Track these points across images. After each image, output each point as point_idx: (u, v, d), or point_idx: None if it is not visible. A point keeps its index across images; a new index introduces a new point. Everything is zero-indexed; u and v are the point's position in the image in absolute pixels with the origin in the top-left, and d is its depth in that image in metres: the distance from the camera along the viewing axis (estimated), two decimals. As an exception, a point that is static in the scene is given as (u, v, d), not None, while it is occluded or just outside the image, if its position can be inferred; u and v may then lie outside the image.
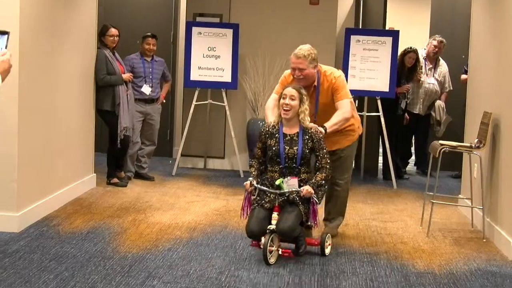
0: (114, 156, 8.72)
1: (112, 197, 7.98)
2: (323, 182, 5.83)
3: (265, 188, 5.78)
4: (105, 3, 10.23)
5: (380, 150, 10.62)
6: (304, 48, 6.11)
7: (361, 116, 9.87)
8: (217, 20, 10.03)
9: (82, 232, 6.40)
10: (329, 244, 6.05)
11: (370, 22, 10.93)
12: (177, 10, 11.18)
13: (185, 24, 9.93)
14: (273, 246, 5.62)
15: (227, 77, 9.71)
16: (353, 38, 9.58)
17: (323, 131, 5.93)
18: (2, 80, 3.58)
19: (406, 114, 10.22)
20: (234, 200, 8.02)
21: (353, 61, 9.57)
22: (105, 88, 8.37)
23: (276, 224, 5.60)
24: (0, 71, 3.57)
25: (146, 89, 8.90)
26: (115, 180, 8.69)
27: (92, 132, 8.48)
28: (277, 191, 5.73)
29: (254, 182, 5.80)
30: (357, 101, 9.87)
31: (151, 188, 8.67)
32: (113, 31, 8.46)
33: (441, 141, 7.19)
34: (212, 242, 6.27)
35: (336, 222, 6.64)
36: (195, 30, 9.70)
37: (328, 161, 5.86)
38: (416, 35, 12.52)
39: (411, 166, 11.22)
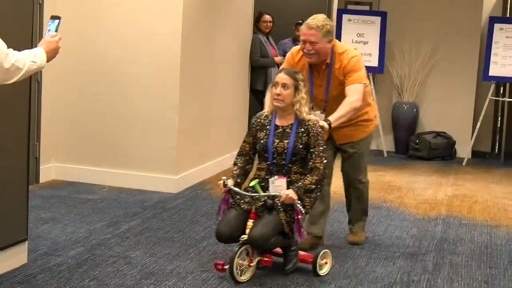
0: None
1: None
2: (312, 187, 4.79)
3: (239, 190, 4.83)
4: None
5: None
6: (319, 18, 5.25)
7: (502, 102, 10.22)
8: (366, 8, 10.62)
9: (231, 196, 7.23)
10: (326, 263, 5.06)
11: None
12: (330, -2, 11.84)
13: (336, 11, 10.59)
14: (244, 260, 4.71)
15: (374, 62, 10.28)
16: (497, 26, 9.92)
17: (325, 125, 4.98)
18: (48, 60, 3.97)
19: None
20: (374, 176, 8.53)
21: (496, 49, 9.89)
22: (258, 69, 9.19)
23: (248, 232, 4.67)
24: (46, 50, 3.94)
25: (295, 72, 9.62)
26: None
27: (246, 108, 9.32)
28: (253, 195, 4.80)
29: (229, 183, 4.83)
30: (492, 87, 10.13)
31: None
32: (267, 17, 9.26)
33: None
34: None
35: (360, 224, 5.89)
36: (345, 17, 10.34)
37: (324, 161, 4.84)
38: None
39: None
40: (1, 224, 4.55)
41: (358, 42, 10.32)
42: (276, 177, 4.80)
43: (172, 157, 7.21)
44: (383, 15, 10.27)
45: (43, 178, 7.21)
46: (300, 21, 9.73)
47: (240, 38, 8.90)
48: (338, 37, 10.33)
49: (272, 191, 4.76)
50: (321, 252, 5.00)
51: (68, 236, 5.52)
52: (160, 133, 7.19)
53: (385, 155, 10.30)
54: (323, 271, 4.98)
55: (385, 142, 10.46)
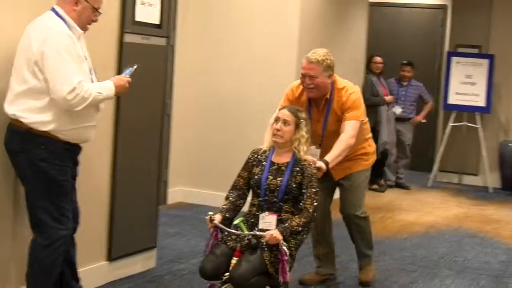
0: (375, 166, 10.17)
1: (369, 199, 9.32)
2: (299, 229, 4.57)
3: (224, 228, 4.61)
4: (375, 32, 11.74)
5: None
6: (319, 52, 5.22)
7: None
8: (475, 51, 11.16)
9: (339, 220, 7.92)
10: None
11: None
12: (442, 40, 12.41)
13: (446, 54, 11.18)
14: None
15: (481, 102, 10.79)
16: None
17: (323, 166, 4.91)
18: (116, 94, 4.34)
19: None
20: (475, 209, 9.13)
21: None
22: (369, 107, 9.85)
23: (229, 271, 4.47)
24: (116, 85, 4.27)
25: (397, 110, 10.23)
26: (375, 186, 10.16)
27: (357, 144, 10.01)
28: (237, 233, 4.58)
29: (216, 218, 4.61)
30: None
31: (405, 195, 10.01)
32: (378, 59, 9.98)
33: None
34: (443, 237, 7.50)
35: (366, 259, 5.80)
36: (454, 59, 10.93)
37: (315, 203, 4.63)
38: None
39: None
40: (135, 234, 5.47)
41: (466, 83, 10.84)
42: (266, 213, 4.62)
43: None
44: (491, 58, 10.78)
45: (170, 200, 8.18)
46: (405, 62, 10.44)
47: (352, 79, 9.60)
48: (447, 79, 10.94)
49: (261, 226, 4.58)
50: None
51: (191, 248, 6.39)
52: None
53: (491, 191, 10.74)
54: None
55: (491, 179, 10.89)
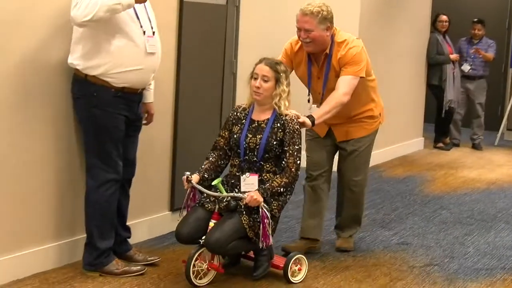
0: (441, 125, 10.26)
1: (433, 157, 9.56)
2: (281, 189, 4.39)
3: (201, 188, 4.43)
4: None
5: None
6: (314, 3, 4.80)
7: None
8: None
9: (399, 177, 8.11)
10: (300, 269, 4.65)
11: None
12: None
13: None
14: (203, 264, 4.39)
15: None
16: None
17: (307, 121, 4.62)
18: (136, 2, 4.28)
19: None
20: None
21: None
22: (434, 66, 9.95)
23: (205, 235, 4.33)
24: None
25: (465, 67, 10.22)
26: (441, 144, 10.23)
27: (422, 101, 10.12)
28: (215, 194, 4.42)
29: (193, 178, 4.45)
30: None
31: (470, 154, 10.06)
32: (443, 17, 10.00)
33: None
34: (503, 193, 7.58)
35: (350, 232, 5.38)
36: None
37: (298, 162, 4.43)
38: None
39: None
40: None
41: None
42: (247, 174, 4.42)
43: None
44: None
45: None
46: (476, 20, 10.40)
47: (417, 37, 9.70)
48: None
49: (243, 189, 4.37)
50: (294, 257, 4.61)
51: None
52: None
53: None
54: (296, 279, 4.61)
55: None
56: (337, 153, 5.31)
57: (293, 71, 5.05)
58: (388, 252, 5.35)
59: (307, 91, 5.10)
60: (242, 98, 8.27)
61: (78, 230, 4.67)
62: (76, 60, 4.36)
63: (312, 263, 4.97)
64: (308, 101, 5.07)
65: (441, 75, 9.90)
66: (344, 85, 4.80)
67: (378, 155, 8.78)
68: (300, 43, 4.93)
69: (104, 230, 4.53)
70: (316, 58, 4.95)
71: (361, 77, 4.87)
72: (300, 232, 5.30)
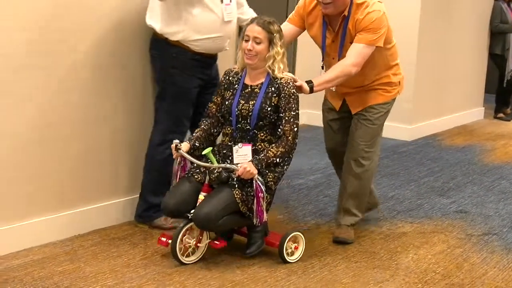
0: (502, 95, 10.10)
1: (493, 127, 9.44)
2: (276, 160, 4.00)
3: (191, 158, 4.06)
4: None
5: None
6: None
7: None
8: None
9: (459, 146, 8.03)
10: (297, 248, 4.29)
11: None
12: None
13: None
14: (192, 240, 4.06)
15: None
16: None
17: (305, 86, 4.18)
18: None
19: None
20: None
21: None
22: (497, 34, 9.78)
23: (194, 209, 3.98)
24: None
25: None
26: (501, 115, 10.09)
27: (484, 70, 9.97)
28: (205, 165, 4.06)
29: (182, 146, 4.08)
30: None
31: (533, 124, 9.94)
32: (508, -16, 9.81)
33: None
34: None
35: (350, 219, 4.75)
36: None
37: (295, 129, 4.03)
38: None
39: None
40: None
41: None
42: (240, 144, 4.06)
43: (408, 108, 8.11)
44: None
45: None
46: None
47: (480, 6, 9.53)
48: None
49: (235, 160, 4.03)
50: (290, 235, 4.24)
51: (310, 166, 6.69)
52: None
53: None
54: (293, 258, 4.25)
55: None
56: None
57: (305, 30, 4.64)
58: (446, 220, 5.31)
59: (321, 56, 4.66)
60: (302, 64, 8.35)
61: (137, 189, 4.74)
62: (155, 23, 4.46)
63: (369, 228, 5.00)
64: (322, 67, 4.63)
65: (504, 45, 9.75)
66: (355, 54, 4.29)
67: (438, 124, 8.73)
68: (314, 2, 4.45)
69: (156, 186, 4.63)
70: (332, 21, 4.44)
71: (377, 46, 4.36)
72: None
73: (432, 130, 8.64)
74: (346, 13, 4.33)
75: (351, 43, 4.35)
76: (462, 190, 6.18)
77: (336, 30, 4.43)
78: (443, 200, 5.85)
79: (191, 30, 4.39)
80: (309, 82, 4.21)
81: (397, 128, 8.08)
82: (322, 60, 4.63)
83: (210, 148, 4.04)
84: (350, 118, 4.70)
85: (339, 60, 4.42)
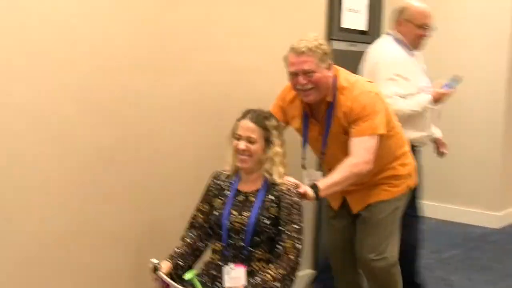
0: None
1: None
2: (276, 284, 3.22)
3: (172, 282, 3.24)
4: None
5: None
6: (308, 37, 3.64)
7: None
8: None
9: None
10: None
11: None
12: None
13: None
14: None
15: None
16: None
17: (310, 193, 3.47)
18: (435, 102, 4.66)
19: None
20: None
21: None
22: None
23: None
24: (434, 95, 4.64)
25: None
26: None
27: None
28: None
29: (162, 266, 3.33)
30: None
31: None
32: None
33: None
34: None
35: None
36: None
37: (298, 246, 3.29)
38: None
39: None
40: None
41: None
42: (232, 265, 3.30)
43: (496, 194, 7.64)
44: None
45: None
46: None
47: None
48: None
49: (226, 285, 3.27)
50: None
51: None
52: (484, 171, 7.67)
53: None
54: None
55: None
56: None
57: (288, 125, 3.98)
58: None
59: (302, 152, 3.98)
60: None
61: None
62: None
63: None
64: (302, 166, 3.94)
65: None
66: (361, 152, 3.61)
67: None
68: (293, 91, 3.80)
69: None
70: (314, 110, 3.81)
71: (380, 134, 3.69)
72: None
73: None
74: (329, 98, 3.70)
75: (343, 134, 3.71)
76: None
77: (320, 119, 3.79)
78: None
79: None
80: (313, 187, 3.49)
81: (484, 215, 7.62)
82: (303, 158, 3.96)
83: (193, 271, 3.34)
84: (350, 219, 4.09)
85: (323, 153, 3.86)
